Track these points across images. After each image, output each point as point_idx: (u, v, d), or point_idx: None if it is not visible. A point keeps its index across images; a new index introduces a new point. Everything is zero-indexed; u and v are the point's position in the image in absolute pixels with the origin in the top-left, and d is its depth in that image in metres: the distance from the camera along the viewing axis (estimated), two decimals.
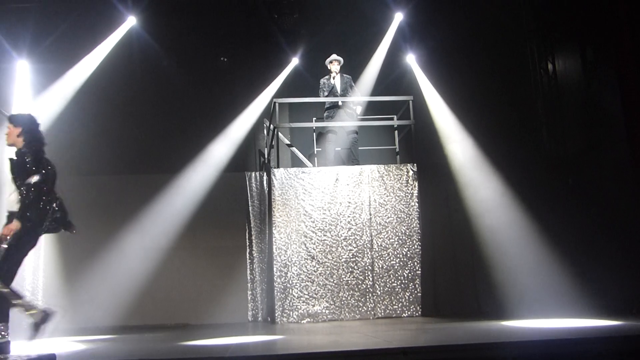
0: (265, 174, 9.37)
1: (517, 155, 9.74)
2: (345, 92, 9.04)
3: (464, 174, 9.25)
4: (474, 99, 9.99)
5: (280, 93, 10.15)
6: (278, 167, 8.38)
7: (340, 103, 8.96)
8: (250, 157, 10.25)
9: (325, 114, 9.21)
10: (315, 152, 9.24)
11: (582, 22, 9.42)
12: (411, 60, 10.54)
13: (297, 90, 9.92)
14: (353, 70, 9.49)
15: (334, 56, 9.13)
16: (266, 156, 9.58)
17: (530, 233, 8.82)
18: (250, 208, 9.53)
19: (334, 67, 9.10)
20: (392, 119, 9.26)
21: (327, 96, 9.03)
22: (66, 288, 8.87)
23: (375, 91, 9.65)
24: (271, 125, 8.92)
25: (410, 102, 8.74)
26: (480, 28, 10.33)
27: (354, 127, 9.07)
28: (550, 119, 10.16)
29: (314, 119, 9.52)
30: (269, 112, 9.47)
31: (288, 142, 9.47)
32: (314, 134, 9.30)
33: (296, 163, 9.51)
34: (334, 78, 9.08)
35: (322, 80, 9.11)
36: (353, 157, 9.07)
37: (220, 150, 9.76)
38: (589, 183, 9.25)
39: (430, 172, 9.08)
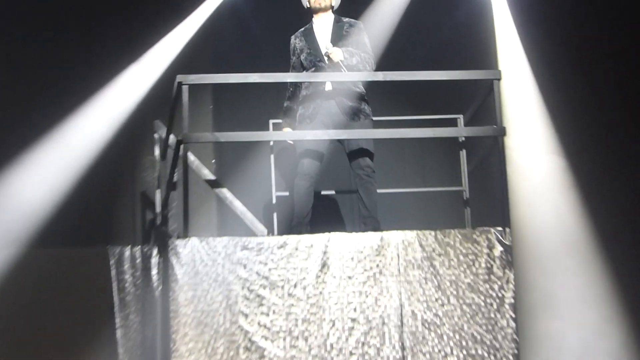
0: (155, 251, 5.58)
1: None
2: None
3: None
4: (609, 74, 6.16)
5: (193, 63, 6.17)
6: (187, 235, 4.79)
7: (329, 86, 5.14)
8: (120, 209, 6.22)
9: (299, 111, 5.25)
10: (275, 200, 5.64)
11: None
12: None
13: (235, 58, 6.20)
14: (355, 13, 5.50)
15: None
16: (158, 209, 5.92)
17: None
18: (118, 333, 5.27)
19: (320, 2, 5.25)
20: (454, 122, 5.47)
21: (303, 68, 5.16)
22: None
23: (408, 58, 5.91)
24: (170, 136, 5.37)
25: (495, 83, 4.90)
26: None
27: (365, 143, 5.07)
28: None
29: (271, 122, 5.62)
30: (164, 106, 5.62)
31: (211, 176, 5.86)
32: (272, 155, 5.59)
33: (230, 226, 5.99)
34: (316, 27, 5.21)
35: (292, 39, 5.38)
36: (367, 213, 5.03)
37: (52, 190, 5.88)
38: None
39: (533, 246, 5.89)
